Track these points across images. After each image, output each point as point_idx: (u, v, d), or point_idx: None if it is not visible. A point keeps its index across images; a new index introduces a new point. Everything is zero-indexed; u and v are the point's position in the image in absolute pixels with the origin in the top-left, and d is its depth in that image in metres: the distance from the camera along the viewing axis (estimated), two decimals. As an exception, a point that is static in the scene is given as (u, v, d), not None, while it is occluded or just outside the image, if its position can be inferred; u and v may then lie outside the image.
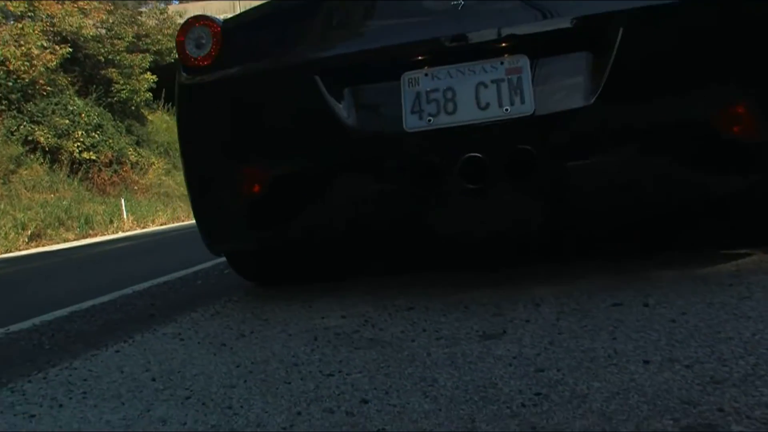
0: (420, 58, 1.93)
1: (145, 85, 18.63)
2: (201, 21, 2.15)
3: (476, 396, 1.26)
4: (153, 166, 19.01)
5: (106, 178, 16.78)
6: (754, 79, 1.79)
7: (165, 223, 16.71)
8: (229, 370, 1.58)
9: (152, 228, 15.34)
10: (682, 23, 1.79)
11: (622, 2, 1.80)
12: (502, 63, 1.87)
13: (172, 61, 19.25)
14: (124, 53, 17.51)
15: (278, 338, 1.84)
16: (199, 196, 2.27)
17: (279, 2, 2.17)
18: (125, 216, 15.73)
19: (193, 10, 21.06)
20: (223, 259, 3.95)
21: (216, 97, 2.14)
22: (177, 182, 20.30)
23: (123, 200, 15.95)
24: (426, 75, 1.92)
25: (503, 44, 1.87)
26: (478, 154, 1.84)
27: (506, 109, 1.84)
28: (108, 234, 14.64)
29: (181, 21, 18.81)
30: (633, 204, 1.99)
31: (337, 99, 1.96)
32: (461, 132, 1.87)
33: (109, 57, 17.40)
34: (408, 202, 1.99)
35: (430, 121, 1.89)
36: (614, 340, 1.50)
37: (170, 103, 23.14)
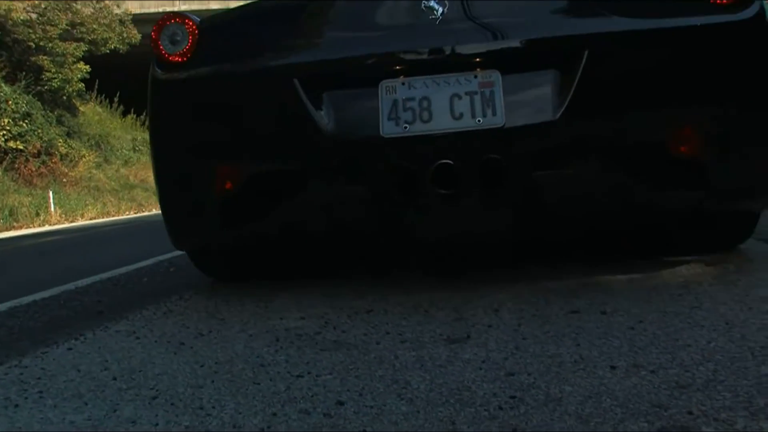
0: (397, 67, 1.99)
1: (78, 75, 18.02)
2: (177, 18, 2.14)
3: (452, 399, 1.27)
4: (83, 159, 18.35)
5: (34, 170, 16.14)
6: (700, 105, 1.96)
7: (94, 218, 16.19)
8: (193, 369, 1.54)
9: (81, 222, 14.84)
10: (640, 52, 1.94)
11: (588, 26, 1.96)
12: (475, 77, 1.95)
13: (108, 51, 18.71)
14: (57, 41, 16.88)
15: (239, 338, 1.81)
16: (168, 192, 2.28)
17: (259, 4, 2.22)
18: (53, 209, 15.17)
19: (131, 3, 20.54)
20: (168, 256, 3.88)
21: (191, 94, 2.14)
22: (108, 176, 19.70)
23: (51, 192, 15.37)
24: (403, 84, 1.97)
25: (477, 59, 1.96)
26: (451, 162, 1.91)
27: (479, 120, 1.92)
28: (34, 227, 14.08)
29: (118, 11, 18.33)
30: (591, 214, 2.14)
31: (315, 103, 1.99)
32: (435, 140, 1.93)
33: (41, 44, 16.73)
34: (382, 204, 2.04)
35: (406, 128, 1.94)
36: (578, 346, 1.54)
37: (103, 95, 22.49)
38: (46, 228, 13.16)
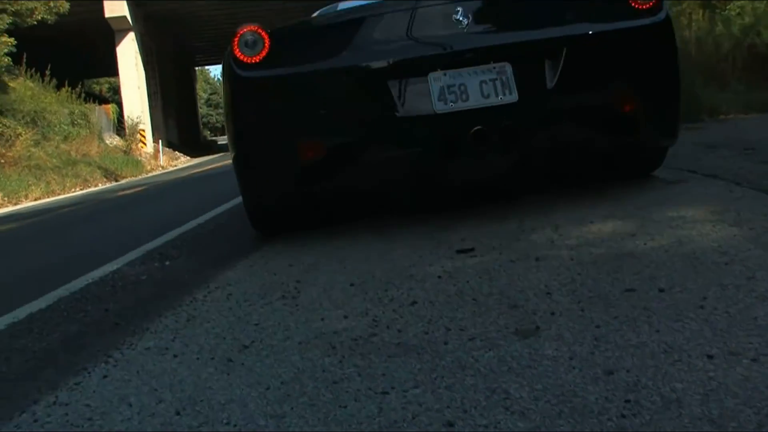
0: (441, 63, 2.77)
1: (4, 50, 17.09)
2: (252, 27, 2.82)
3: (564, 408, 1.20)
4: (20, 138, 17.51)
5: (-32, 153, 15.38)
6: (634, 79, 2.88)
7: (39, 198, 15.55)
8: (262, 394, 1.43)
9: (26, 204, 14.24)
10: (599, 46, 2.83)
11: (566, 30, 2.85)
12: (494, 68, 2.77)
13: (35, 23, 17.76)
14: (-23, 14, 15.90)
15: (290, 349, 1.70)
16: (251, 165, 2.96)
17: (333, 15, 3.12)
18: (-6, 193, 14.52)
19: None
20: (154, 244, 3.71)
21: (271, 87, 2.81)
22: (48, 153, 18.85)
23: (-10, 176, 14.68)
24: (445, 75, 2.77)
25: (493, 55, 2.78)
26: (482, 127, 2.72)
27: (500, 98, 2.75)
28: (-25, 214, 13.49)
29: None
30: (570, 153, 3.11)
31: (392, 91, 2.77)
32: (471, 113, 2.73)
33: (-40, 18, 15.75)
34: (434, 160, 2.87)
35: (451, 105, 2.75)
36: (658, 332, 1.49)
37: (33, 69, 21.41)
38: (-10, 214, 12.61)
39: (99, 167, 20.16)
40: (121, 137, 25.42)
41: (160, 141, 26.56)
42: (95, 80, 40.04)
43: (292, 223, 3.33)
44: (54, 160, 18.71)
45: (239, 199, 5.36)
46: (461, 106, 2.72)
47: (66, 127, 21.03)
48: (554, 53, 2.75)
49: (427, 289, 2.04)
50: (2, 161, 16.20)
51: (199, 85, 59.95)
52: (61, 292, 2.83)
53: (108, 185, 17.72)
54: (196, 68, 50.43)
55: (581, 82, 2.80)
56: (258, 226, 3.33)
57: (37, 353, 2.01)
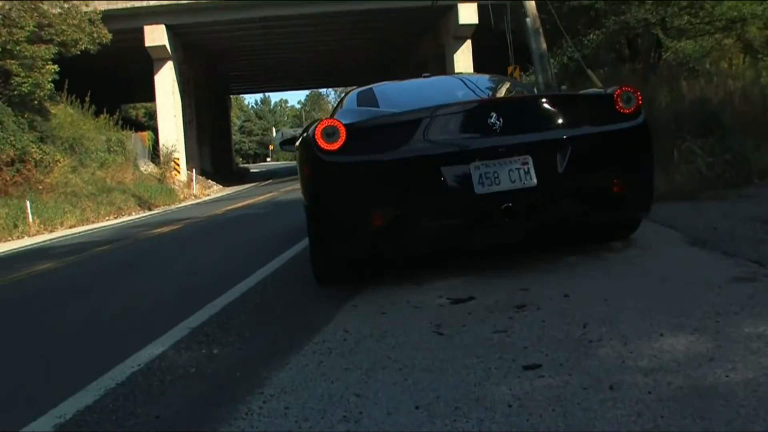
0: (480, 155, 3.53)
1: (49, 78, 17.45)
2: (331, 122, 3.57)
3: None
4: (58, 164, 17.75)
5: (8, 179, 15.63)
6: (621, 168, 3.71)
7: (74, 226, 15.70)
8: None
9: (61, 232, 14.38)
10: (597, 141, 3.68)
11: (572, 132, 3.65)
12: (518, 159, 3.53)
13: (78, 53, 18.11)
14: (25, 44, 16.26)
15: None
16: (323, 229, 3.76)
17: (388, 117, 3.87)
18: (31, 219, 14.69)
19: (99, 2, 19.89)
20: (203, 320, 3.64)
21: (346, 168, 3.53)
22: (84, 180, 19.10)
23: (28, 202, 14.88)
24: (484, 164, 3.52)
25: (518, 150, 3.54)
26: (510, 204, 3.49)
27: (524, 183, 3.51)
28: (13, 240, 13.62)
29: (86, 10, 17.69)
30: (572, 222, 3.91)
31: (444, 176, 3.50)
32: (503, 194, 3.49)
33: (8, 47, 16.12)
34: (474, 227, 3.64)
35: (488, 188, 3.49)
36: None
37: (74, 95, 21.81)
38: (26, 241, 12.72)
39: (133, 195, 20.37)
40: (156, 164, 25.71)
41: (193, 170, 26.80)
42: (132, 105, 40.70)
43: (352, 275, 4.11)
44: (90, 187, 18.95)
45: (285, 261, 5.34)
46: (495, 188, 3.50)
47: (102, 154, 21.33)
48: (563, 148, 3.59)
49: (499, 422, 1.94)
50: (40, 187, 16.45)
51: (233, 112, 60.67)
52: (108, 382, 2.77)
53: (141, 215, 17.86)
54: (231, 96, 51.21)
55: (583, 169, 3.63)
56: (322, 278, 4.10)
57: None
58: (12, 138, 15.74)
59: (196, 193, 25.68)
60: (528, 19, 12.55)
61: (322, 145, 3.51)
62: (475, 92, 4.58)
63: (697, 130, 7.46)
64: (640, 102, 3.78)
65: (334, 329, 3.15)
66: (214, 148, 35.93)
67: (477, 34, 27.99)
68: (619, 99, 3.74)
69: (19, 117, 16.62)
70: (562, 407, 2.00)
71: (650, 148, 3.83)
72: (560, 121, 3.74)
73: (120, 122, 23.88)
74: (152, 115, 36.25)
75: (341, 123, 3.54)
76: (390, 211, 3.53)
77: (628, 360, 2.31)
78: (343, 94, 6.30)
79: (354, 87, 5.72)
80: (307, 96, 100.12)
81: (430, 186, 3.49)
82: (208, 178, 30.55)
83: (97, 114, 23.15)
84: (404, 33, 32.65)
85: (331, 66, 41.31)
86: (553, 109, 3.85)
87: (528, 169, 3.52)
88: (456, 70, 28.02)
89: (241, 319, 3.62)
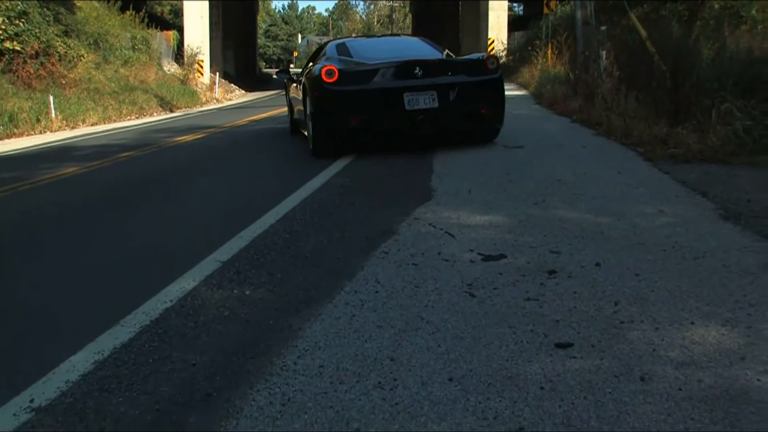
0: (409, 89, 6.65)
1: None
2: (330, 67, 6.66)
3: None
4: (82, 59, 17.58)
5: (32, 72, 15.50)
6: (485, 101, 7.06)
7: (96, 123, 15.70)
8: None
9: (83, 129, 14.41)
10: (472, 86, 6.88)
11: (459, 79, 6.88)
12: (429, 92, 6.70)
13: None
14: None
15: None
16: (322, 126, 6.86)
17: (365, 65, 6.92)
18: (53, 114, 14.68)
19: None
20: (233, 254, 3.68)
21: (339, 93, 6.60)
22: (107, 77, 18.95)
23: (51, 96, 14.84)
24: (410, 94, 6.67)
25: (429, 88, 6.70)
26: (422, 116, 6.69)
27: (431, 105, 6.69)
28: (35, 134, 13.65)
29: None
30: (458, 129, 7.43)
31: (388, 99, 6.76)
32: (420, 110, 6.64)
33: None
34: (404, 127, 6.79)
35: (413, 107, 6.67)
36: None
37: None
38: (49, 137, 12.76)
39: (155, 95, 20.26)
40: (180, 65, 25.45)
41: (217, 73, 26.53)
42: (158, 1, 39.89)
43: (333, 154, 7.09)
44: (112, 85, 18.84)
45: (313, 191, 5.31)
46: (416, 107, 6.62)
47: (127, 52, 21.13)
48: (454, 88, 6.74)
49: (531, 406, 1.99)
50: (63, 82, 16.36)
51: (259, 16, 59.47)
52: (142, 318, 2.83)
53: (163, 116, 17.81)
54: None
55: (464, 99, 6.75)
56: (316, 155, 7.14)
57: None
58: (37, 30, 15.54)
59: (218, 97, 25.54)
60: (573, -51, 12.08)
61: (325, 80, 6.67)
62: (410, 51, 7.64)
63: (739, 90, 7.27)
64: (499, 65, 7.19)
65: (365, 278, 3.19)
66: (238, 52, 35.47)
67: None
68: (487, 62, 7.11)
69: (45, 9, 16.36)
70: (593, 395, 2.04)
71: (502, 91, 7.23)
72: (452, 73, 6.98)
73: (146, 19, 23.48)
74: (178, 13, 35.51)
75: (336, 68, 6.71)
76: (361, 117, 6.74)
77: (659, 348, 2.34)
78: (327, 41, 9.23)
79: (331, 39, 10.15)
80: (336, 5, 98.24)
81: (382, 104, 6.72)
82: (230, 81, 30.31)
83: (122, 9, 22.77)
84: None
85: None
86: (449, 66, 7.10)
87: (434, 98, 6.73)
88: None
89: (271, 256, 3.66)
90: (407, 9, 72.71)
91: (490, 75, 7.03)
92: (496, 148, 7.09)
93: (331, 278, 3.23)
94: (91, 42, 19.10)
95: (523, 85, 17.72)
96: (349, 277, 3.22)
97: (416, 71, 6.75)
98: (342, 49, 7.75)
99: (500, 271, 3.22)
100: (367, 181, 5.80)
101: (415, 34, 53.37)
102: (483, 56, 7.21)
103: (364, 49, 7.66)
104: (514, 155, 6.67)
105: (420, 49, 8.02)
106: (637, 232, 3.77)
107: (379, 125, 6.84)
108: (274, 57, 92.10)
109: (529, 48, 20.02)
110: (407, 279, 3.15)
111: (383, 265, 3.39)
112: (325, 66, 6.73)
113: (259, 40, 62.49)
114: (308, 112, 7.17)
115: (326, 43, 8.52)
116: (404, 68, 6.82)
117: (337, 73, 6.63)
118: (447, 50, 7.94)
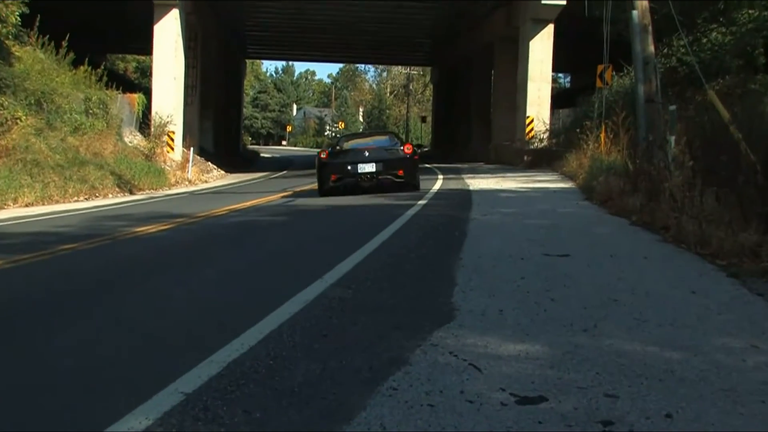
0: (360, 161, 17.80)
1: (16, 10, 17.66)
2: (324, 150, 19.17)
3: None
4: (18, 123, 17.78)
5: (-44, 137, 15.79)
6: (404, 165, 17.84)
7: (31, 204, 15.82)
8: None
9: (12, 211, 14.50)
10: (396, 159, 17.91)
11: (389, 156, 18.05)
12: (372, 163, 17.82)
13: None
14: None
15: None
16: (323, 177, 18.05)
17: (344, 148, 18.92)
18: (-23, 192, 14.81)
19: None
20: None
21: (329, 164, 18.06)
22: (51, 147, 19.07)
23: (-23, 169, 15.02)
24: (361, 164, 17.79)
25: (374, 161, 17.78)
26: (369, 175, 17.91)
27: (373, 169, 17.83)
28: (-45, 215, 13.73)
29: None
30: (389, 182, 18.22)
31: (349, 166, 18.07)
32: (367, 173, 17.88)
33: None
34: (358, 182, 17.92)
35: (362, 170, 17.79)
36: None
37: (47, 36, 21.88)
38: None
39: (112, 173, 20.55)
40: (145, 137, 25.98)
41: (191, 148, 27.01)
42: (121, 57, 41.21)
43: (331, 193, 17.71)
44: (57, 157, 18.90)
45: (297, 308, 5.22)
46: (364, 170, 17.49)
47: (78, 117, 21.45)
48: (386, 161, 17.59)
49: None
50: (-7, 150, 16.54)
51: (247, 80, 61.26)
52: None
53: (121, 199, 18.04)
54: (247, 60, 51.51)
55: (392, 167, 17.51)
56: (321, 194, 17.75)
57: None
58: (-35, 86, 15.90)
59: (192, 177, 25.96)
60: (635, 12, 12.43)
61: (322, 156, 18.09)
62: (368, 144, 18.51)
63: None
64: (413, 149, 17.85)
65: (367, 422, 3.11)
66: (218, 123, 36.29)
67: (561, 18, 27.99)
68: (404, 148, 17.70)
69: (-25, 60, 16.79)
70: None
71: (416, 165, 18.07)
72: (386, 153, 17.68)
73: (104, 78, 24.10)
74: (145, 72, 36.47)
75: (327, 152, 18.34)
76: (337, 176, 17.49)
77: None
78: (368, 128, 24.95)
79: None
80: (340, 70, 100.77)
81: (346, 169, 17.39)
82: (207, 159, 30.88)
83: (75, 64, 23.33)
84: (470, 1, 32.74)
85: (376, 35, 41.55)
86: (385, 150, 17.84)
87: (375, 166, 17.26)
88: (531, 62, 28.08)
89: (248, 388, 3.60)
90: (427, 78, 74.83)
91: (408, 155, 17.46)
92: (535, 256, 7.09)
93: (323, 421, 3.15)
94: (32, 102, 19.48)
95: (568, 176, 18.02)
96: (347, 420, 3.14)
97: (366, 154, 17.41)
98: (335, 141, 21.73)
99: (540, 418, 3.14)
100: (373, 293, 5.77)
101: (436, 108, 54.98)
102: (400, 145, 18.00)
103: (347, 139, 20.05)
104: (557, 266, 6.65)
105: (378, 139, 19.48)
106: (721, 374, 3.69)
107: (346, 180, 17.44)
108: (263, 131, 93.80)
109: (578, 130, 20.35)
110: (420, 425, 3.08)
111: (390, 405, 3.32)
112: (322, 152, 18.49)
113: (245, 110, 64.04)
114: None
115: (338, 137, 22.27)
116: (360, 151, 17.58)
117: (327, 154, 17.98)
118: (400, 139, 19.60)
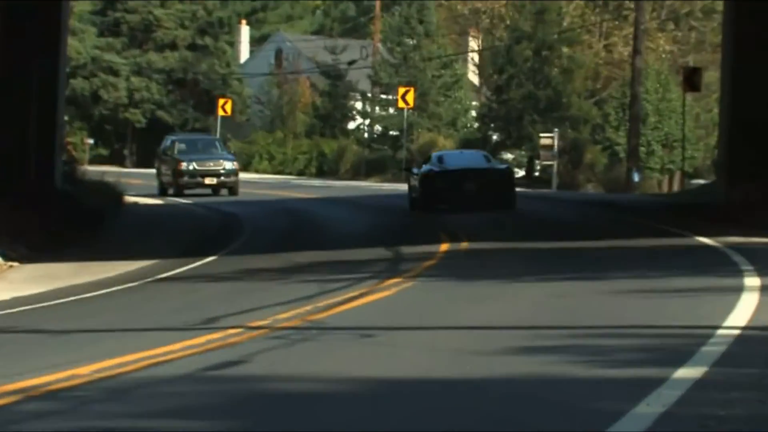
0: (465, 177, 31.02)
1: None
2: (432, 169, 31.29)
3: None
4: None
5: None
6: (504, 188, 31.07)
7: None
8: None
9: None
10: (495, 180, 31.95)
11: (491, 177, 31.73)
12: (473, 182, 31.21)
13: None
14: None
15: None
16: (424, 196, 30.45)
17: (441, 169, 31.75)
18: None
19: None
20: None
21: (428, 181, 30.53)
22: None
23: None
24: (467, 180, 30.91)
25: (472, 179, 31.07)
26: (470, 188, 31.17)
27: (472, 187, 31.31)
28: None
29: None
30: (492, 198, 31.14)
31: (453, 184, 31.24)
32: (470, 189, 30.93)
33: None
34: (463, 196, 30.91)
35: (467, 187, 30.57)
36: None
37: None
38: None
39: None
40: None
41: None
42: None
43: (426, 209, 29.43)
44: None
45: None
46: (468, 188, 29.69)
47: None
48: (487, 181, 30.14)
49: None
50: None
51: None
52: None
53: None
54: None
55: (492, 187, 29.57)
56: (413, 209, 30.62)
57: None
58: None
59: None
60: None
61: (427, 176, 30.08)
62: (469, 160, 32.52)
63: None
64: (508, 165, 37.52)
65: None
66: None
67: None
68: (506, 171, 32.12)
69: None
70: None
71: (513, 186, 31.38)
72: (487, 175, 30.33)
73: None
74: None
75: (435, 171, 30.15)
76: (440, 194, 29.48)
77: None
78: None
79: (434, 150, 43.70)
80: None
81: (450, 188, 29.52)
82: None
83: None
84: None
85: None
86: (485, 170, 30.89)
87: (475, 184, 29.53)
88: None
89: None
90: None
91: (506, 177, 31.02)
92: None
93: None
94: None
95: None
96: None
97: (467, 175, 29.77)
98: (436, 157, 32.63)
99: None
100: None
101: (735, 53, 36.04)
102: (504, 167, 33.35)
103: (445, 158, 32.45)
104: None
105: (476, 157, 33.82)
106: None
107: (443, 196, 29.32)
108: (167, 115, 48.52)
109: None
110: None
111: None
112: (429, 170, 30.67)
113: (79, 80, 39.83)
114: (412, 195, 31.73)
115: (430, 155, 34.62)
116: (461, 173, 29.91)
117: (434, 174, 30.09)
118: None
